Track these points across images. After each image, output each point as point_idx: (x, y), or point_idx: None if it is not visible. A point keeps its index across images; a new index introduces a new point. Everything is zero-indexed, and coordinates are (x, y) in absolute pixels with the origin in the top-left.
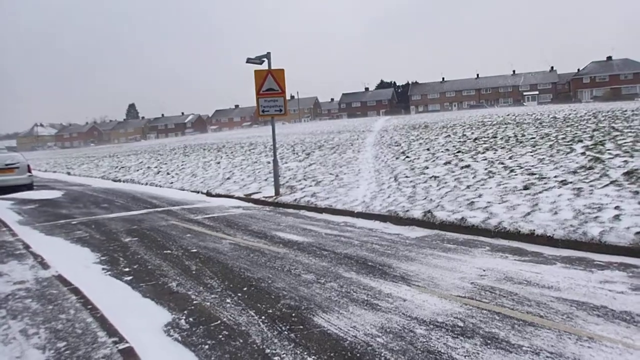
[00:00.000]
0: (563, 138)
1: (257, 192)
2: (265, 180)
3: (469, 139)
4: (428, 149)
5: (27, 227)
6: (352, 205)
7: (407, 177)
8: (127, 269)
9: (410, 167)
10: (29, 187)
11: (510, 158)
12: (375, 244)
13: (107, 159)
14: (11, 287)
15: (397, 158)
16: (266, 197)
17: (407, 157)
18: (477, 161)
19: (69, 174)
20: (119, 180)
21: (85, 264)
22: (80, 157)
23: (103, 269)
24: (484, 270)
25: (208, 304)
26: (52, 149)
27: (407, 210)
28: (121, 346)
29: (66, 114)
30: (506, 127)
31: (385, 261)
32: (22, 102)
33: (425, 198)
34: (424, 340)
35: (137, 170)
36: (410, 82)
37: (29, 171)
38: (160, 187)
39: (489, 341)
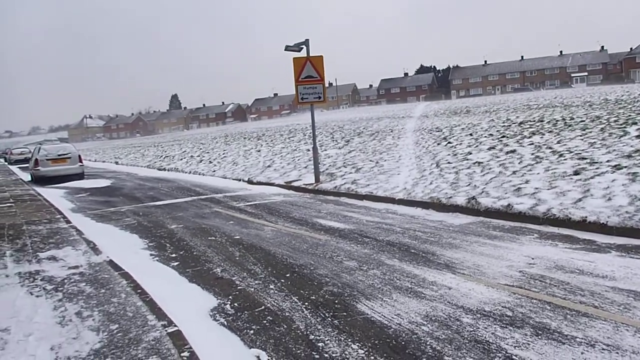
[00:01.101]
0: (615, 121)
1: (297, 180)
2: (305, 167)
3: (514, 123)
4: (471, 134)
5: (80, 214)
6: (393, 192)
7: (449, 163)
8: (173, 255)
9: (452, 152)
10: (80, 176)
11: (558, 142)
12: (418, 231)
13: (152, 148)
14: (66, 272)
15: (438, 144)
16: (306, 185)
17: (449, 142)
18: (523, 146)
19: (116, 163)
20: (164, 169)
21: (134, 249)
22: (127, 147)
23: (151, 254)
24: (533, 259)
25: (252, 289)
26: (100, 140)
27: (450, 197)
28: (170, 329)
29: (113, 106)
30: (553, 110)
31: (428, 248)
32: (73, 96)
33: (468, 184)
34: (471, 329)
35: (181, 159)
36: (451, 66)
37: (80, 161)
38: (203, 175)
39: (539, 332)
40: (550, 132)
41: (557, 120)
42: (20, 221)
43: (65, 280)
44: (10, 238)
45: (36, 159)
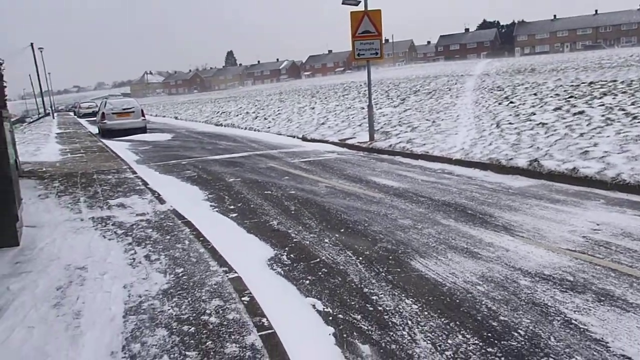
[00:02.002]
0: None
1: (351, 138)
2: (359, 125)
3: (583, 83)
4: (535, 94)
5: (144, 166)
6: (449, 152)
7: (510, 123)
8: (232, 207)
9: (514, 113)
10: (143, 130)
11: (633, 104)
12: (475, 192)
13: (209, 104)
14: (135, 218)
15: (499, 104)
16: (360, 143)
17: (511, 102)
18: (593, 107)
19: (176, 118)
20: (221, 125)
21: (195, 200)
22: (185, 103)
23: (211, 205)
24: (598, 225)
25: (307, 242)
26: (160, 96)
27: (511, 159)
28: (230, 275)
29: (172, 63)
30: (629, 70)
31: (486, 210)
32: (134, 53)
33: (531, 146)
34: (529, 292)
35: (237, 115)
36: (515, 22)
37: (143, 115)
38: (258, 131)
39: (602, 298)
40: (623, 92)
41: (633, 81)
42: (91, 170)
43: (134, 226)
44: (83, 186)
45: (103, 113)
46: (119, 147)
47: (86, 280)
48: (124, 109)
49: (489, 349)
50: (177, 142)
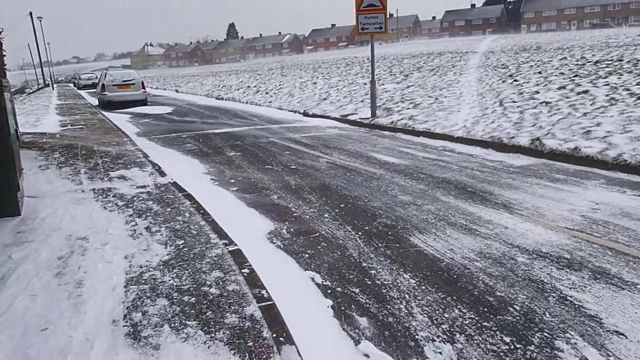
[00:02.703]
0: None
1: (353, 114)
2: (362, 101)
3: (589, 62)
4: (539, 72)
5: (144, 138)
6: (451, 130)
7: (514, 102)
8: (232, 181)
9: (518, 91)
10: (143, 102)
11: (638, 84)
12: (476, 169)
13: (210, 77)
14: (135, 190)
15: (503, 82)
16: (362, 119)
17: (515, 80)
18: (597, 86)
19: (177, 91)
20: (222, 98)
21: (195, 173)
22: (186, 76)
23: (211, 179)
24: (597, 204)
25: (307, 217)
26: (160, 68)
27: (513, 137)
28: (230, 248)
29: (173, 35)
30: (635, 49)
31: (485, 188)
32: (135, 24)
33: (533, 125)
34: (526, 268)
35: (238, 89)
36: None
37: (143, 87)
38: (260, 105)
39: (598, 276)
40: (629, 72)
41: (639, 60)
42: (92, 143)
43: (135, 198)
44: (83, 157)
45: (103, 84)
46: (119, 119)
47: (87, 250)
48: (124, 81)
49: (485, 323)
50: (177, 115)
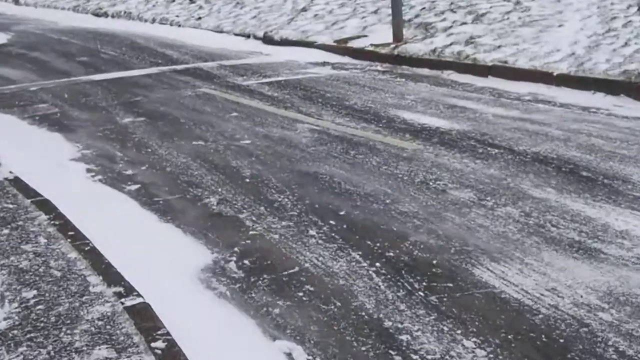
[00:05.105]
0: None
1: (358, 37)
2: (375, 13)
3: None
4: None
5: None
6: (548, 62)
7: None
8: (129, 172)
9: None
10: None
11: None
12: (596, 136)
13: None
14: None
15: None
16: (376, 46)
17: None
18: None
19: (16, 2)
20: (105, 15)
21: (58, 160)
22: None
23: (88, 169)
24: None
25: (276, 236)
26: None
27: None
28: (129, 301)
29: None
30: None
31: (616, 170)
32: None
33: None
34: None
35: None
36: None
37: None
38: (180, 26)
39: None
40: None
41: None
42: None
43: None
44: None
45: None
46: None
47: None
48: None
49: None
50: (20, 48)
